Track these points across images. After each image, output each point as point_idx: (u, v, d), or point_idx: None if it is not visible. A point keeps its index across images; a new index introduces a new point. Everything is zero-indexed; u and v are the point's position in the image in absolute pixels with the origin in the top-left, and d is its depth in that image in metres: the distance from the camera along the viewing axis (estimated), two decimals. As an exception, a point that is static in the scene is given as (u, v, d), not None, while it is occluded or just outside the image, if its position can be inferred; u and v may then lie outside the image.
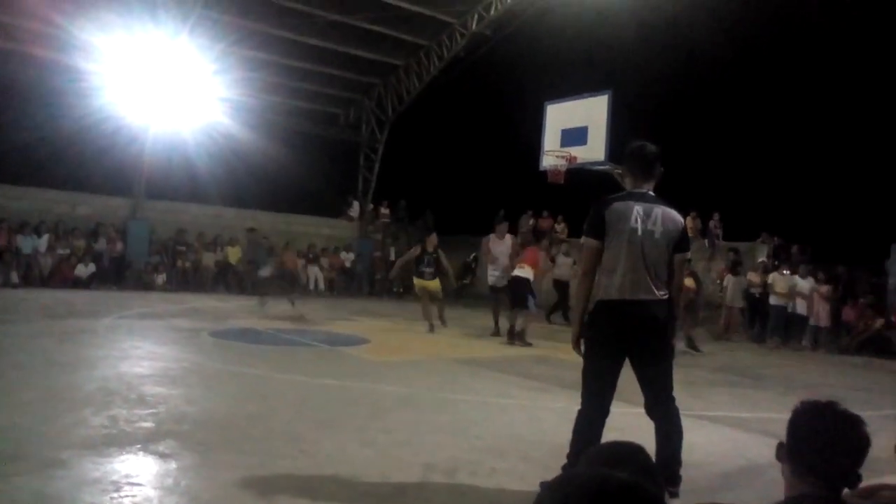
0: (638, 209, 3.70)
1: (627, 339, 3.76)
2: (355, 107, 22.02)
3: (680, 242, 3.80)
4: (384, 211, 22.53)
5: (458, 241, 22.30)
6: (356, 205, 22.17)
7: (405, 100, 20.63)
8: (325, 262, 19.42)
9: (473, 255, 20.20)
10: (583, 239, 3.94)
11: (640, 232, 3.68)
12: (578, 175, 13.41)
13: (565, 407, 6.10)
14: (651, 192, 3.86)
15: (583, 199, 17.21)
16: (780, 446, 1.85)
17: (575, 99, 13.20)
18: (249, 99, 19.43)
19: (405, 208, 23.06)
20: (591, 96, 12.85)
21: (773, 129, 18.69)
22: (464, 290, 20.21)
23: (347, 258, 20.38)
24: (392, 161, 22.04)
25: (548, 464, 4.32)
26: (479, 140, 21.85)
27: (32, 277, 15.43)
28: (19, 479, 3.46)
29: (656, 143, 3.97)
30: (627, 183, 3.93)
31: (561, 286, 15.47)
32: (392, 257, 21.01)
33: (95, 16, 14.46)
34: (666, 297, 3.74)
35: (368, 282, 20.54)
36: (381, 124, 21.58)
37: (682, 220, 3.85)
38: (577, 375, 7.30)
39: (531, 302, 10.59)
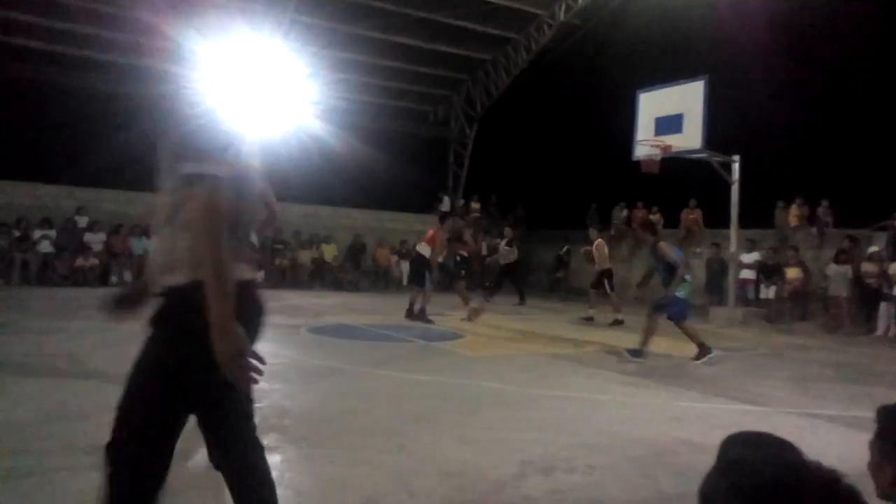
0: None
1: None
2: (444, 103, 22.14)
3: None
4: (475, 206, 22.57)
5: (549, 235, 22.12)
6: (447, 200, 22.30)
7: (494, 94, 20.58)
8: (418, 257, 19.61)
9: (566, 247, 19.94)
10: None
11: None
12: (674, 164, 13.01)
13: (665, 403, 5.93)
14: None
15: (678, 188, 16.64)
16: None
17: (669, 86, 12.81)
18: (341, 100, 19.88)
19: (495, 203, 23.03)
20: (685, 82, 12.43)
21: (888, 109, 17.51)
22: (557, 285, 20.00)
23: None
24: (482, 156, 22.04)
25: (649, 461, 4.21)
26: (570, 132, 21.52)
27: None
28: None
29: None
30: None
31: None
32: (484, 252, 21.03)
33: (195, 22, 15.12)
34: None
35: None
36: (470, 120, 21.61)
37: None
38: (675, 370, 7.07)
39: (428, 280, 11.36)
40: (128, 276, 16.07)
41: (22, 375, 5.88)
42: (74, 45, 16.83)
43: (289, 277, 17.88)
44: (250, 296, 2.21)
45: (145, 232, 16.82)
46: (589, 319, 12.62)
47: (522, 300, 15.73)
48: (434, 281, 11.77)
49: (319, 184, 19.05)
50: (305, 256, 18.31)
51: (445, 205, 22.18)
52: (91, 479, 3.47)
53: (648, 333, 8.17)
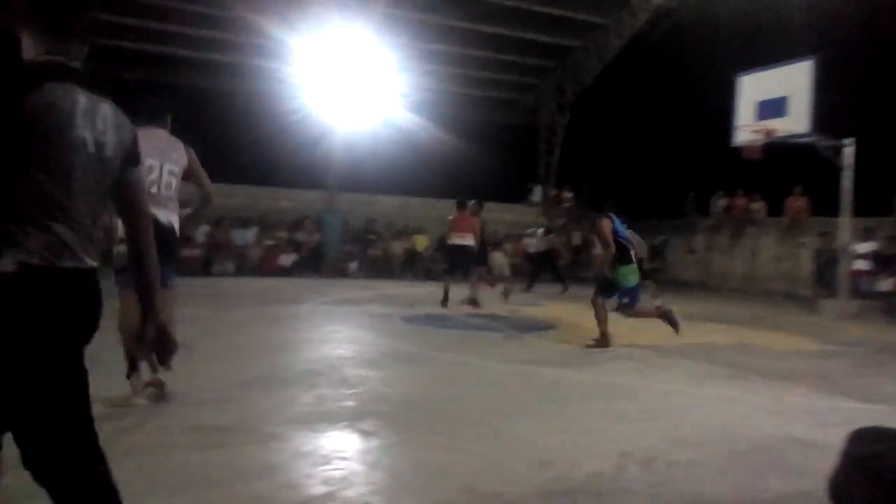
0: (82, 101, 1.95)
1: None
2: (534, 91, 21.92)
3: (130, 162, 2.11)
4: (566, 195, 22.26)
5: (645, 225, 21.57)
6: (538, 190, 22.11)
7: (585, 81, 20.19)
8: (508, 247, 19.56)
9: (663, 237, 19.42)
10: None
11: (89, 146, 1.94)
12: (778, 149, 12.41)
13: (770, 398, 5.68)
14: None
15: (783, 174, 15.80)
16: None
17: (772, 68, 12.21)
18: (430, 91, 20.01)
19: (588, 191, 22.64)
20: (791, 64, 11.81)
21: None
22: (652, 276, 19.51)
23: (530, 243, 20.39)
24: (574, 144, 21.70)
25: (755, 458, 4.04)
26: (666, 118, 20.88)
27: (245, 267, 17.05)
28: (247, 448, 3.83)
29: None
30: (33, 42, 1.94)
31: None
32: (576, 242, 20.74)
33: (291, 19, 15.57)
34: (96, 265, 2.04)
35: (552, 267, 20.42)
36: (560, 108, 21.32)
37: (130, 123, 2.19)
38: (781, 364, 6.76)
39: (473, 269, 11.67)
40: (230, 266, 16.79)
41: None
42: (177, 44, 17.65)
43: (382, 267, 18.19)
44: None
45: (246, 223, 17.55)
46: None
47: (565, 287, 15.48)
48: (479, 270, 11.94)
49: (411, 175, 19.28)
50: (398, 247, 18.58)
51: (536, 194, 22.01)
52: (201, 457, 3.65)
53: (602, 320, 7.80)
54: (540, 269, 15.91)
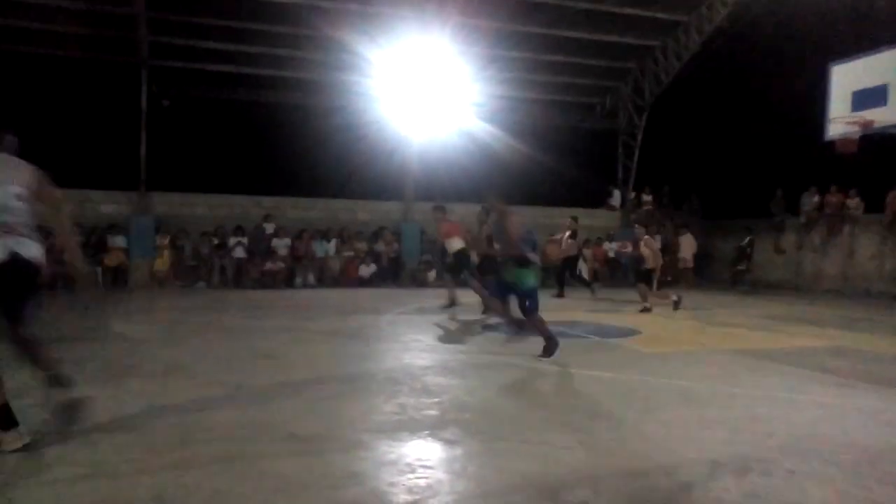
0: None
1: None
2: (611, 94, 21.54)
3: None
4: (646, 198, 21.76)
5: (729, 225, 20.87)
6: (617, 193, 21.70)
7: (664, 81, 19.70)
8: (587, 253, 19.28)
9: (748, 238, 18.71)
10: None
11: None
12: (875, 141, 11.76)
13: (877, 406, 5.36)
14: None
15: (882, 168, 14.93)
16: None
17: (870, 55, 11.54)
18: (505, 99, 19.97)
19: (669, 194, 22.09)
20: (891, 50, 11.13)
21: None
22: (739, 277, 18.82)
23: (611, 248, 20.04)
24: (653, 146, 21.19)
25: (860, 468, 3.81)
26: (750, 114, 20.12)
27: (325, 278, 17.42)
28: (333, 456, 3.89)
29: None
30: None
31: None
32: (658, 245, 20.24)
33: (369, 32, 15.86)
34: None
35: (633, 272, 20.00)
36: (639, 109, 20.85)
37: None
38: (881, 369, 6.38)
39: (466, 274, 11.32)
40: (311, 277, 17.18)
41: (226, 369, 6.44)
42: (257, 64, 18.23)
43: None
44: None
45: (325, 235, 17.94)
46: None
47: (561, 293, 15.13)
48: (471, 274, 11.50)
49: (487, 183, 19.24)
50: (476, 256, 18.55)
51: (616, 198, 21.60)
52: (289, 465, 3.73)
53: (498, 310, 7.38)
54: (564, 272, 15.64)
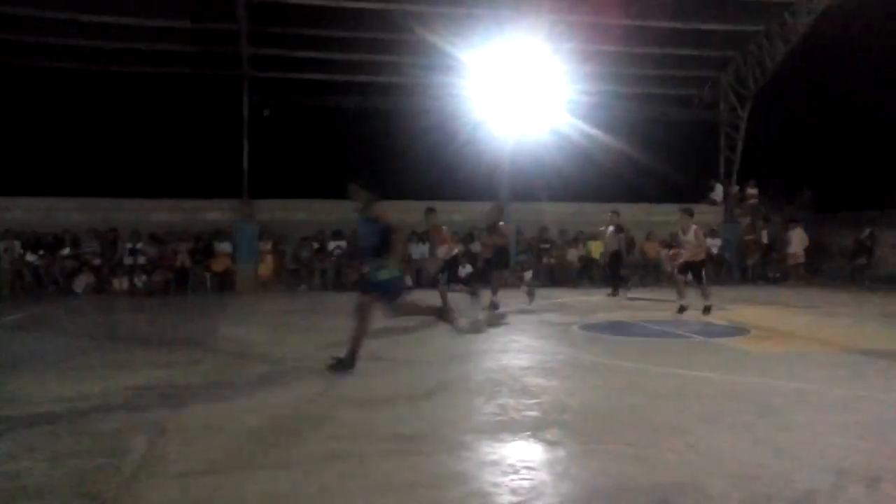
0: None
1: None
2: (711, 85, 20.71)
3: None
4: (751, 191, 20.78)
5: (847, 218, 19.63)
6: (719, 188, 20.83)
7: (768, 68, 18.73)
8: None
9: (868, 230, 17.59)
10: None
11: None
12: None
13: None
14: None
15: None
16: None
17: None
18: (599, 94, 19.56)
19: (777, 186, 21.00)
20: None
21: None
22: (858, 272, 17.71)
23: (713, 244, 19.27)
24: (758, 136, 20.20)
25: None
26: (866, 98, 18.82)
27: (422, 279, 17.57)
28: (436, 456, 3.91)
29: None
30: None
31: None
32: (765, 240, 19.34)
33: (460, 33, 15.90)
34: None
35: (739, 268, 19.20)
36: (741, 99, 19.94)
37: None
38: None
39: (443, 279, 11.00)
40: (408, 279, 17.38)
41: (320, 370, 6.58)
42: (351, 71, 18.62)
43: (557, 276, 17.99)
44: None
45: (422, 237, 18.10)
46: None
47: (615, 291, 14.27)
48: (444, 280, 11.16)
49: (583, 181, 18.95)
50: (572, 254, 18.29)
51: (717, 193, 20.74)
52: (394, 464, 3.76)
53: (361, 334, 6.46)
54: (614, 268, 14.94)
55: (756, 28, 18.33)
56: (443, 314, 7.05)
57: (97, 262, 15.90)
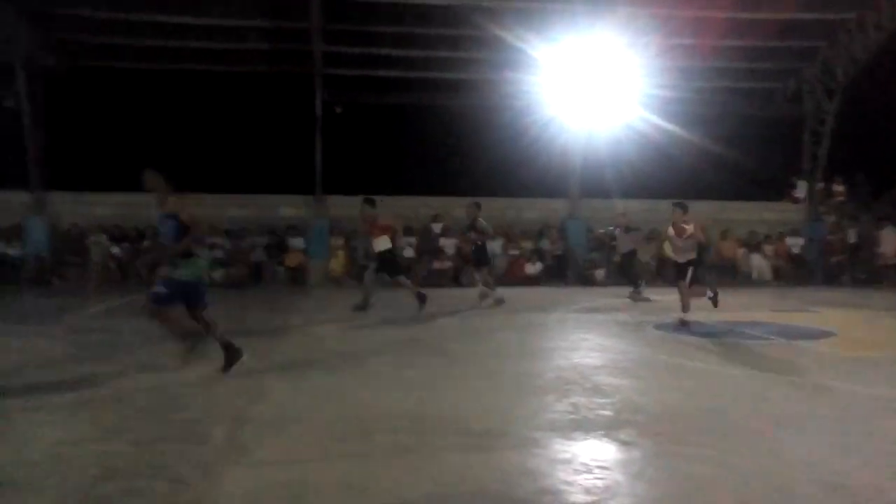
0: None
1: None
2: (795, 77, 19.85)
3: None
4: (838, 189, 19.88)
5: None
6: (802, 185, 19.99)
7: (860, 59, 17.75)
8: (768, 249, 18.00)
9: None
10: None
11: None
12: None
13: None
14: None
15: None
16: None
17: None
18: (676, 89, 19.04)
19: (865, 183, 20.00)
20: None
21: None
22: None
23: (795, 244, 18.56)
24: (846, 131, 19.25)
25: None
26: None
27: (492, 276, 17.53)
28: (506, 452, 3.88)
29: None
30: None
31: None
32: (851, 240, 18.46)
33: (533, 28, 15.75)
34: None
35: (822, 268, 18.40)
36: (829, 92, 19.03)
37: None
38: None
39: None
40: (476, 276, 17.35)
41: (398, 363, 6.65)
42: (423, 68, 18.70)
43: (630, 274, 17.62)
44: None
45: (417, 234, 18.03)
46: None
47: (637, 288, 13.59)
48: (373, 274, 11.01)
49: (657, 177, 18.48)
50: (646, 252, 17.90)
51: (800, 190, 19.93)
52: (464, 459, 3.75)
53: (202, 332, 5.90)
54: (627, 269, 14.48)
55: (846, 16, 17.42)
56: (188, 340, 5.94)
57: (178, 254, 16.52)
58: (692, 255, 9.60)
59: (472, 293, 12.89)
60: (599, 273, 17.47)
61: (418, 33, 16.95)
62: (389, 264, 10.97)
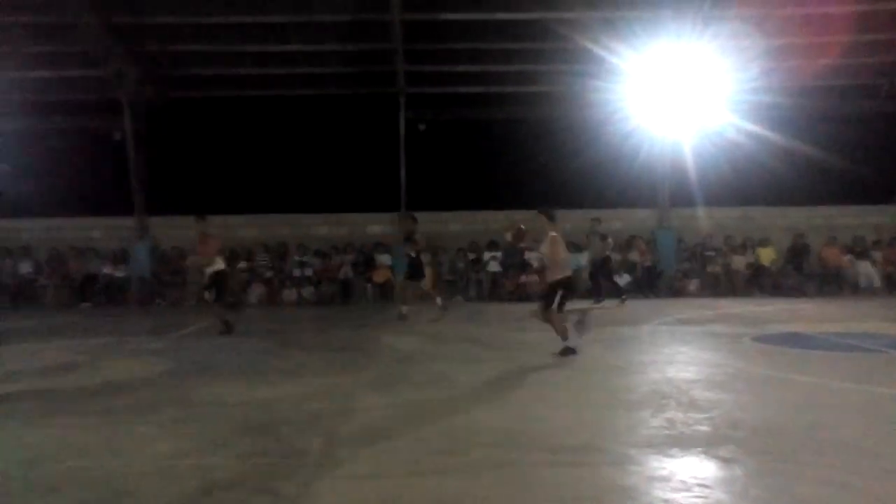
0: None
1: None
2: (897, 72, 18.73)
3: None
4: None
5: None
6: (912, 186, 18.77)
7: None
8: (877, 255, 16.99)
9: None
10: None
11: None
12: None
13: None
14: None
15: None
16: None
17: None
18: (765, 92, 18.30)
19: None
20: None
21: None
22: None
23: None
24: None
25: None
26: None
27: (580, 289, 17.29)
28: (601, 469, 3.81)
29: None
30: None
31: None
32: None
33: (617, 38, 15.49)
34: None
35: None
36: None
37: None
38: None
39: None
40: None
41: (486, 379, 6.63)
42: (504, 83, 18.67)
43: (723, 284, 17.03)
44: None
45: (577, 247, 17.81)
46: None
47: (599, 298, 14.03)
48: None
49: (749, 184, 17.79)
50: (739, 262, 17.24)
51: (906, 192, 18.74)
52: (558, 475, 3.69)
53: None
54: (605, 275, 14.47)
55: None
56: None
57: (269, 274, 17.10)
58: (558, 276, 7.89)
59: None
60: (692, 284, 16.94)
61: (500, 48, 16.97)
62: (220, 286, 10.45)
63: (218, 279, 10.34)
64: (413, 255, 12.05)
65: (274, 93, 18.37)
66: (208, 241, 10.42)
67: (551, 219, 8.17)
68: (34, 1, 14.80)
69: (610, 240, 14.80)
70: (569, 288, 8.04)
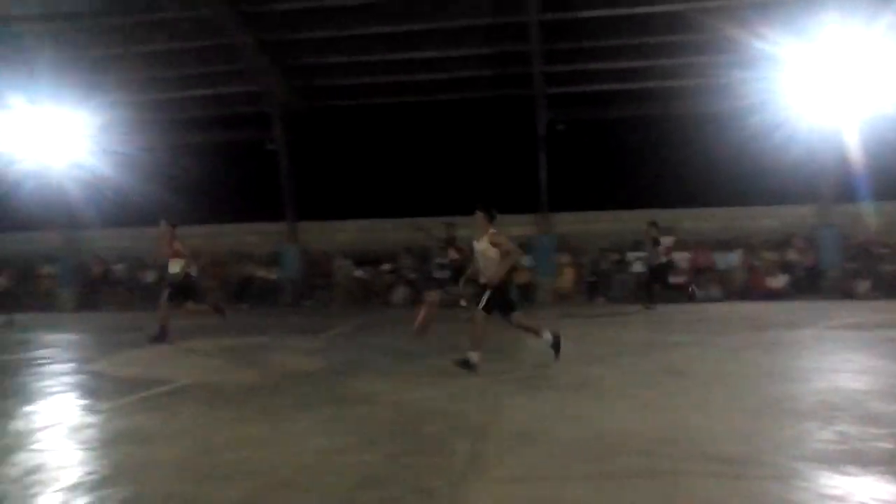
0: None
1: None
2: None
3: None
4: None
5: None
6: None
7: None
8: None
9: None
10: None
11: None
12: None
13: None
14: None
15: None
16: None
17: None
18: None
19: None
20: None
21: None
22: None
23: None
24: None
25: None
26: None
27: (731, 291, 16.44)
28: (765, 483, 3.56)
29: None
30: None
31: None
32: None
33: (772, 22, 14.49)
34: None
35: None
36: None
37: None
38: None
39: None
40: (714, 290, 16.35)
41: (633, 383, 6.41)
42: (644, 78, 18.00)
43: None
44: None
45: (728, 246, 16.95)
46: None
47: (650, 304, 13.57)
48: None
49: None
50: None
51: None
52: (714, 486, 3.50)
53: None
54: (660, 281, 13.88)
55: None
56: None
57: (412, 276, 17.56)
58: (495, 280, 7.33)
59: (710, 308, 12.08)
60: (863, 285, 15.60)
61: (639, 43, 16.43)
62: (183, 289, 10.32)
63: (178, 282, 10.33)
64: (450, 261, 12.39)
65: (414, 98, 18.81)
66: (169, 243, 10.38)
67: (491, 218, 7.78)
68: (193, 26, 16.03)
69: (663, 245, 14.19)
70: (501, 289, 7.40)
